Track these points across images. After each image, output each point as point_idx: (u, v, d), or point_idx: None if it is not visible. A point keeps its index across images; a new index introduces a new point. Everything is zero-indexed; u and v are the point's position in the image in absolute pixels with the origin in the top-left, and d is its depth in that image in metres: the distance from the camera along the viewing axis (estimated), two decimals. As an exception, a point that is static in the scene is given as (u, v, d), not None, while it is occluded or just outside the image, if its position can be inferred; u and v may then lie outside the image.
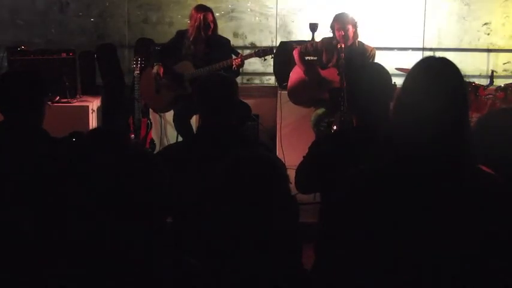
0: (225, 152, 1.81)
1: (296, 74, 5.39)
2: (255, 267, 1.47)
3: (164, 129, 6.05)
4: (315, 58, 5.32)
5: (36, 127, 2.78)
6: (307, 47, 5.32)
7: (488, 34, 6.61)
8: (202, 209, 1.73)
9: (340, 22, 5.02)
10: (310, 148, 2.81)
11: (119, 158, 1.70)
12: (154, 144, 5.75)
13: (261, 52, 5.21)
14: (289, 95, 5.47)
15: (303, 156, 2.80)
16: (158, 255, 1.60)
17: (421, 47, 6.53)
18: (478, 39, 6.63)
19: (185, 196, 2.50)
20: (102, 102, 6.04)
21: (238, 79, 6.10)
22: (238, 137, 2.81)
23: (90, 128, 5.06)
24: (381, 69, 2.72)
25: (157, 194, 1.67)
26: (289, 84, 5.46)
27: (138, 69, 5.57)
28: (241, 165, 1.54)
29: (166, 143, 5.85)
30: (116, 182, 1.60)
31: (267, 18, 6.59)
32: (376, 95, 2.59)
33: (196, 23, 5.12)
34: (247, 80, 6.68)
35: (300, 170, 2.76)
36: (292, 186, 2.10)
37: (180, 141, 3.23)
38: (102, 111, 5.99)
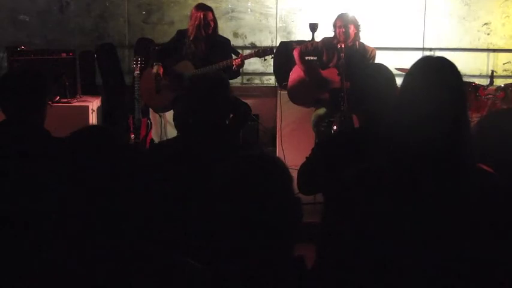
0: (217, 151, 1.80)
1: (296, 73, 5.38)
2: (256, 267, 1.47)
3: (164, 129, 6.05)
4: (315, 58, 5.32)
5: (38, 127, 2.78)
6: (307, 46, 5.31)
7: (488, 34, 6.62)
8: (201, 209, 1.73)
9: (342, 20, 5.03)
10: (313, 150, 2.80)
11: (114, 158, 1.70)
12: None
13: (261, 52, 5.20)
14: (289, 94, 5.45)
15: (306, 158, 2.80)
16: (157, 255, 1.60)
17: (421, 47, 6.54)
18: (478, 39, 6.64)
19: (180, 196, 2.49)
20: (102, 102, 6.05)
21: (238, 79, 6.13)
22: (229, 136, 2.79)
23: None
24: (385, 70, 2.71)
25: (154, 194, 1.67)
26: (289, 83, 5.45)
27: (138, 69, 5.57)
28: (243, 165, 1.54)
29: (166, 143, 5.85)
30: (110, 183, 1.60)
31: (267, 18, 6.60)
32: (380, 96, 2.59)
33: (196, 22, 5.11)
34: (247, 80, 6.68)
35: (302, 171, 2.75)
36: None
37: (170, 139, 3.18)
38: (102, 111, 6.00)
